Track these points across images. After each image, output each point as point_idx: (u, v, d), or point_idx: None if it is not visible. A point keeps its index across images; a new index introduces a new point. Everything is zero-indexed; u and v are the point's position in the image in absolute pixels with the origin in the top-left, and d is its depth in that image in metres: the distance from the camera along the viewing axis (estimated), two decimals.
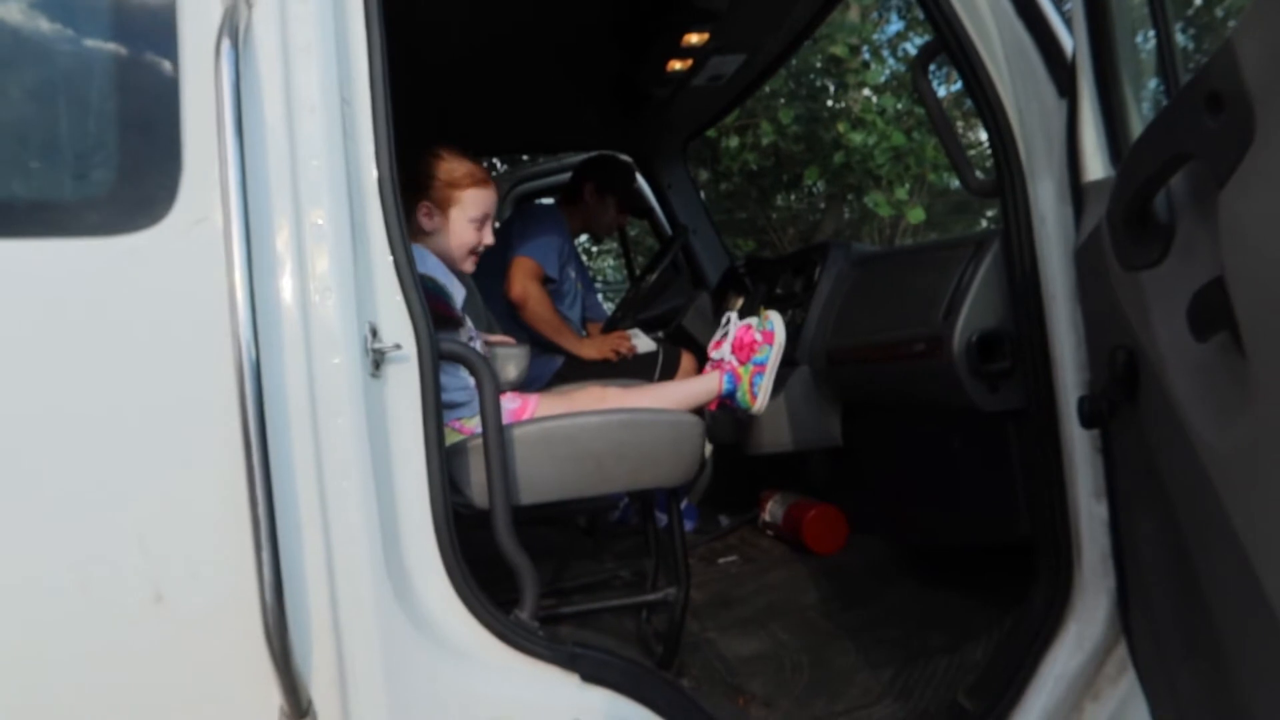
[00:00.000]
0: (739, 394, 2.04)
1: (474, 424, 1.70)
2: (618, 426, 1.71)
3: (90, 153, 1.19)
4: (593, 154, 3.42)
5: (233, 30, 1.08)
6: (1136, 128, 1.28)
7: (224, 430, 1.06)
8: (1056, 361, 1.47)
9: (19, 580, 1.06)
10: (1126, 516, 1.33)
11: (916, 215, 6.35)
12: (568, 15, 2.62)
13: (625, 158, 3.50)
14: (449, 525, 1.26)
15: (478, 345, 1.87)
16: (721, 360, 2.09)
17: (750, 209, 7.80)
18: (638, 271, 4.27)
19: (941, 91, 6.91)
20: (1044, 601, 1.53)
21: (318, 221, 1.16)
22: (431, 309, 1.29)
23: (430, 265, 1.81)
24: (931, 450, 2.21)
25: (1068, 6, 1.47)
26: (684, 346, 2.95)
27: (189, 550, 1.11)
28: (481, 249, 1.94)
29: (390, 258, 1.24)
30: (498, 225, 2.20)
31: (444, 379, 1.45)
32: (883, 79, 6.61)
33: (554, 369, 2.87)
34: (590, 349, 2.92)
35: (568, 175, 3.52)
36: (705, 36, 2.64)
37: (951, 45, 1.54)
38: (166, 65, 1.14)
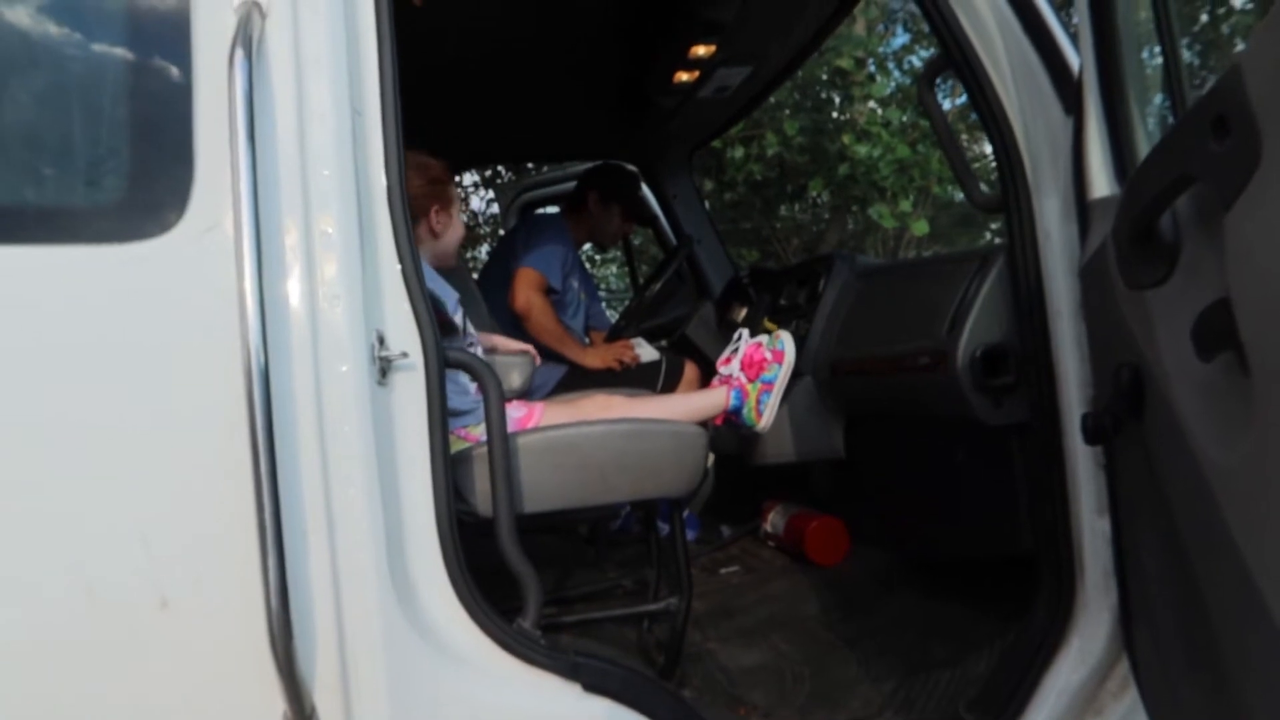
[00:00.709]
0: (745, 411, 2.05)
1: (478, 432, 1.70)
2: (621, 436, 1.71)
3: (103, 160, 1.21)
4: (598, 163, 3.41)
5: (246, 40, 1.09)
6: (1142, 145, 1.28)
7: (232, 436, 1.07)
8: (1060, 377, 1.48)
9: (24, 584, 1.07)
10: (1129, 532, 1.33)
11: (920, 228, 6.35)
12: (575, 24, 2.64)
13: (630, 167, 3.49)
14: (453, 533, 1.26)
15: (478, 350, 1.87)
16: (730, 376, 2.10)
17: (755, 219, 7.80)
18: (641, 280, 4.27)
19: (947, 104, 6.92)
20: (1046, 616, 1.53)
21: (327, 229, 1.17)
22: None
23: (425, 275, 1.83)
24: (934, 463, 2.21)
25: (1074, 23, 1.47)
26: (688, 356, 2.95)
27: (194, 556, 1.11)
28: None
29: (398, 266, 1.25)
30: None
31: (449, 387, 1.46)
32: (888, 92, 6.62)
33: (558, 377, 2.88)
34: (594, 358, 2.93)
35: (572, 184, 3.52)
36: (712, 49, 2.65)
37: (958, 61, 1.55)
38: (180, 74, 1.15)
